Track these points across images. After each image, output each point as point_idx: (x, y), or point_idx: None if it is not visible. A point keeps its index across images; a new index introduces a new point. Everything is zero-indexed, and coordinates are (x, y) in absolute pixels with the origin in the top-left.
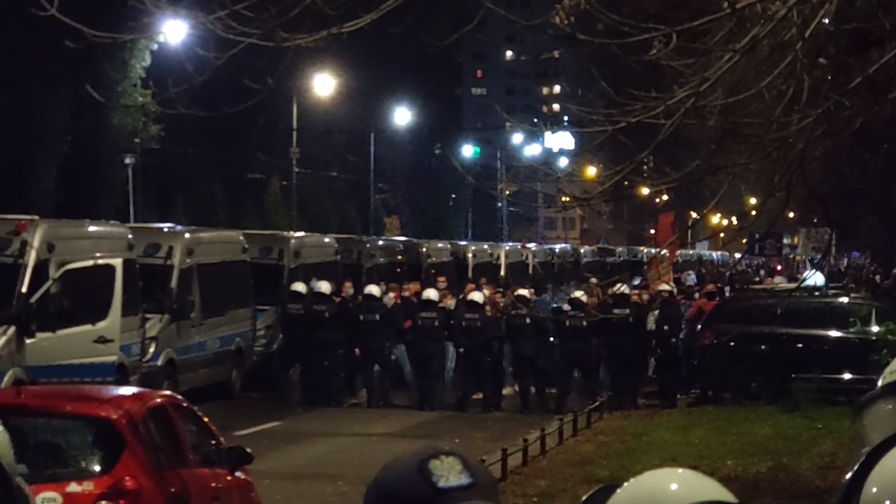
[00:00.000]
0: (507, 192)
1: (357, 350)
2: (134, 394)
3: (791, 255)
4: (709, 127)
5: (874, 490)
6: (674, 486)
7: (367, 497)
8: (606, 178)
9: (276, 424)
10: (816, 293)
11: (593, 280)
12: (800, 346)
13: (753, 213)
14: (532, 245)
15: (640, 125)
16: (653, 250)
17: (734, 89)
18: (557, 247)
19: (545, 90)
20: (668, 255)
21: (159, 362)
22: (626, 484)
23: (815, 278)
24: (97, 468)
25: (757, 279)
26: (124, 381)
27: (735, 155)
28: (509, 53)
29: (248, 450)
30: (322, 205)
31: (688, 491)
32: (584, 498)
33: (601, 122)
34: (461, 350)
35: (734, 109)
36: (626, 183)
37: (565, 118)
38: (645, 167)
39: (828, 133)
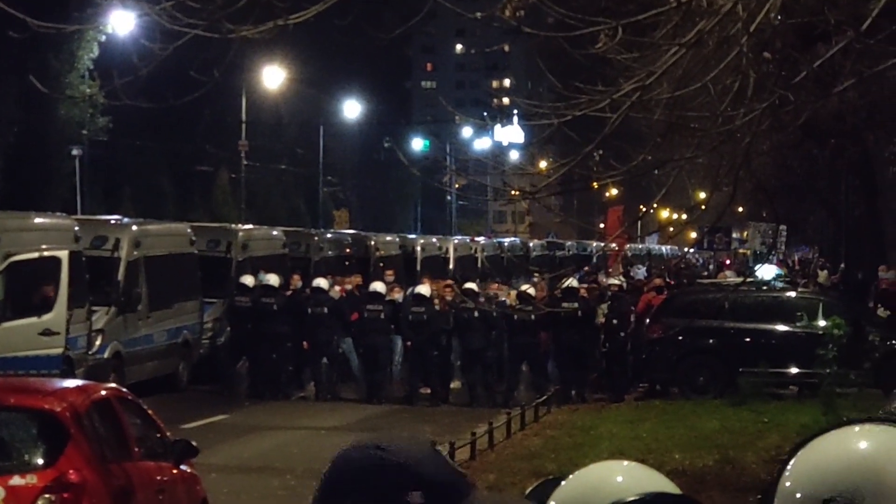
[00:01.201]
0: (457, 186)
1: (305, 343)
2: (78, 386)
3: (739, 249)
4: (655, 121)
5: (787, 485)
6: (619, 479)
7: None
8: (554, 171)
9: (224, 418)
10: (764, 287)
11: (535, 277)
12: (747, 340)
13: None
14: (481, 239)
15: (588, 118)
16: (601, 244)
17: (680, 83)
18: (506, 240)
19: (495, 83)
20: (616, 248)
21: (106, 355)
22: (570, 476)
23: (766, 271)
24: (40, 461)
25: (706, 273)
26: (70, 374)
27: (682, 149)
28: (459, 47)
29: (194, 443)
30: (271, 197)
31: (633, 483)
32: (528, 490)
33: (548, 115)
34: (408, 343)
35: (680, 103)
36: (574, 177)
37: (514, 112)
38: (593, 161)
39: (774, 127)
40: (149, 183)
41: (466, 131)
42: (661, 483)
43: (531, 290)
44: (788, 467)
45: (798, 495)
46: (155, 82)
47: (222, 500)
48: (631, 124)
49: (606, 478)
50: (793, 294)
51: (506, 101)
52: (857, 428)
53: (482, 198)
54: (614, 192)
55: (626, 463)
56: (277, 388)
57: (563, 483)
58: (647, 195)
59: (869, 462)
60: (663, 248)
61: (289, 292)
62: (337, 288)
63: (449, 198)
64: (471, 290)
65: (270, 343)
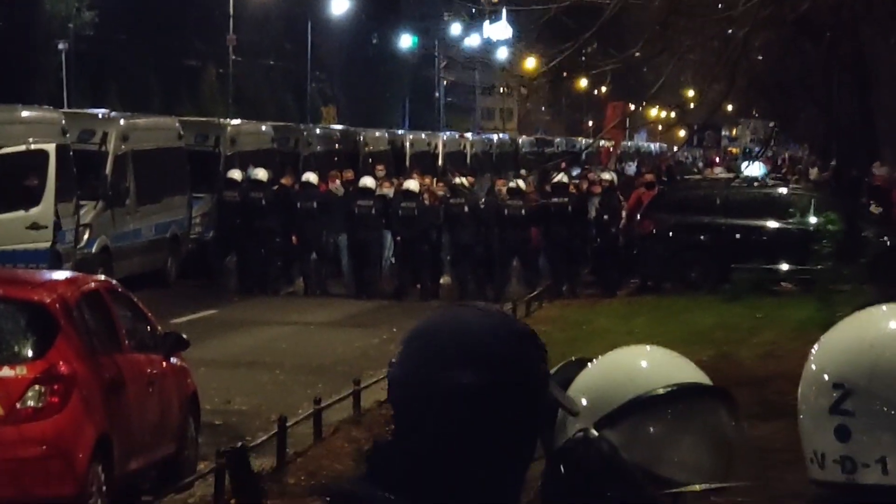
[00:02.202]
0: (445, 83)
1: (294, 238)
2: (68, 278)
3: (728, 147)
4: (655, 7)
5: (812, 368)
6: (648, 365)
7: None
8: (551, 58)
9: (213, 313)
10: (756, 184)
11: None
12: (739, 236)
13: (692, 105)
14: (470, 135)
15: (582, 9)
16: (590, 141)
17: None
18: (495, 136)
19: None
20: (613, 143)
21: (94, 249)
22: (596, 360)
23: (754, 168)
24: (30, 353)
25: (696, 170)
26: (58, 268)
27: (679, 41)
28: None
29: (184, 336)
30: (258, 93)
31: (661, 370)
32: (552, 371)
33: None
34: (398, 239)
35: None
36: (564, 74)
37: (504, 8)
38: (584, 54)
39: (772, 18)
40: (135, 78)
41: (455, 28)
42: (688, 370)
43: (522, 185)
44: (813, 351)
45: (816, 379)
46: None
47: (211, 394)
48: (624, 15)
49: (633, 364)
50: (784, 190)
51: None
52: (878, 310)
53: (472, 93)
54: (603, 88)
55: (650, 348)
56: (266, 283)
57: (588, 366)
58: (636, 93)
59: (877, 347)
60: (652, 145)
61: (276, 187)
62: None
63: (437, 94)
64: (461, 185)
65: (259, 238)
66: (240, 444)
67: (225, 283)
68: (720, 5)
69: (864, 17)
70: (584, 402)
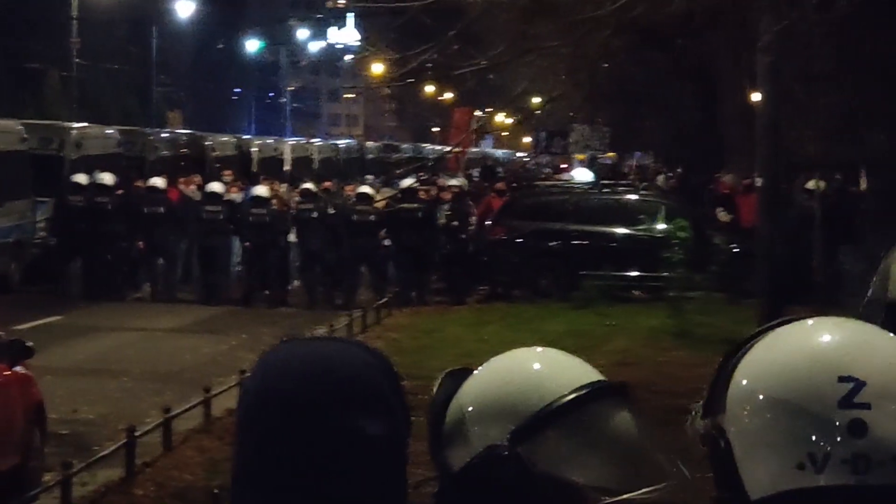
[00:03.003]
0: (291, 88)
1: (141, 243)
2: None
3: (574, 154)
4: (519, 8)
5: (744, 382)
6: (548, 369)
7: None
8: (398, 63)
9: (58, 319)
10: (606, 191)
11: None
12: (590, 242)
13: (537, 112)
14: (317, 140)
15: (432, 12)
16: (436, 147)
17: None
18: (342, 142)
19: None
20: (461, 150)
21: None
22: (481, 369)
23: (579, 175)
24: None
25: (543, 177)
26: None
27: (533, 43)
28: None
29: (29, 343)
30: (103, 97)
31: (566, 373)
32: (435, 388)
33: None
34: (247, 244)
35: None
36: (411, 80)
37: (350, 14)
38: (432, 60)
39: (620, 26)
40: None
41: (302, 33)
42: (586, 369)
43: (370, 191)
44: (742, 365)
45: (761, 397)
46: None
47: (57, 402)
48: (476, 22)
49: (531, 368)
50: (634, 197)
51: (341, 2)
52: (813, 321)
53: (321, 97)
54: (449, 95)
55: (540, 349)
56: (112, 288)
57: (475, 374)
58: (481, 100)
59: (845, 353)
60: (498, 151)
61: (120, 191)
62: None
63: (283, 100)
64: (309, 190)
65: (105, 243)
66: None
67: (70, 289)
68: (588, 5)
69: (709, 28)
70: (479, 414)
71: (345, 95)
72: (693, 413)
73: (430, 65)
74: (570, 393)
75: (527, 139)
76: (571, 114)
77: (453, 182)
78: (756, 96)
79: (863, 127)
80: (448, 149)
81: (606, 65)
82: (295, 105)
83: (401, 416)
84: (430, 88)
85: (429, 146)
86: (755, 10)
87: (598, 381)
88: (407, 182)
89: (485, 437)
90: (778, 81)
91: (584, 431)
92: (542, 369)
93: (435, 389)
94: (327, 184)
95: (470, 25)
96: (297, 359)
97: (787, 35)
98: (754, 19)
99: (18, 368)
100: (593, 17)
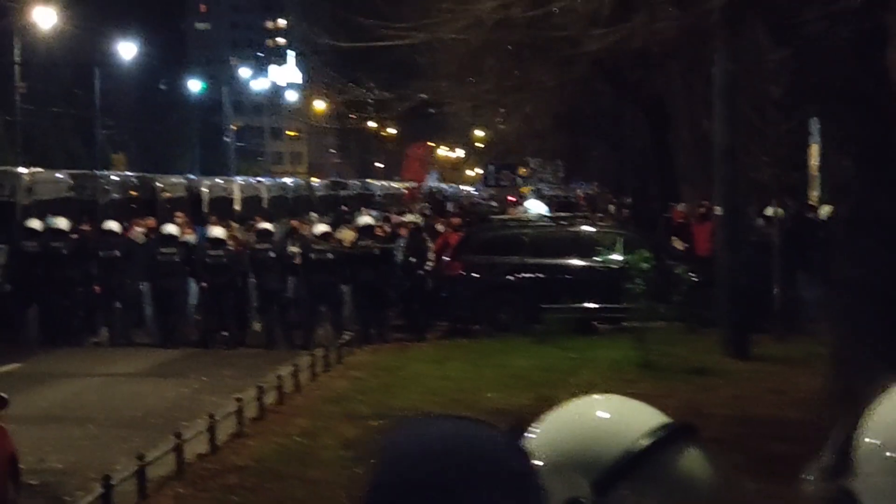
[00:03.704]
0: (234, 127)
1: (97, 287)
2: None
3: (521, 187)
4: (510, 49)
5: (878, 443)
6: (616, 415)
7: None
8: (339, 101)
9: (16, 366)
10: (563, 223)
11: (313, 217)
12: (548, 275)
13: (481, 145)
14: (265, 179)
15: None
16: (383, 183)
17: (537, 2)
18: (290, 181)
19: (270, 24)
20: (416, 185)
21: None
22: (548, 420)
23: (534, 207)
24: None
25: (493, 210)
26: None
27: (537, 73)
28: None
29: (3, 394)
30: (48, 141)
31: (635, 417)
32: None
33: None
34: (204, 286)
35: (538, 24)
36: (352, 116)
37: (291, 52)
38: (371, 97)
39: (571, 59)
40: None
41: (244, 72)
42: (651, 411)
43: (326, 229)
44: (871, 426)
45: (888, 454)
46: None
47: (24, 452)
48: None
49: (599, 416)
50: (592, 228)
51: (281, 41)
52: None
53: (263, 136)
54: (391, 131)
55: (599, 396)
56: (70, 334)
57: (538, 431)
58: (423, 135)
59: None
60: (444, 185)
61: (75, 236)
62: (139, 229)
63: (227, 139)
64: (266, 230)
65: (61, 288)
66: None
67: (27, 336)
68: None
69: (664, 60)
70: (554, 469)
71: (287, 133)
72: (808, 475)
73: (370, 100)
74: (645, 438)
75: (470, 172)
76: (515, 146)
77: (409, 218)
78: (710, 124)
79: (831, 152)
80: (406, 185)
81: (550, 97)
82: (238, 144)
83: (536, 493)
84: (371, 124)
85: (377, 182)
86: (710, 40)
87: (667, 423)
88: (364, 220)
89: (563, 492)
90: (734, 108)
91: (664, 475)
92: (610, 417)
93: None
94: (295, 223)
95: (412, 60)
96: (425, 443)
97: (741, 62)
98: (708, 48)
99: None
100: (582, 53)
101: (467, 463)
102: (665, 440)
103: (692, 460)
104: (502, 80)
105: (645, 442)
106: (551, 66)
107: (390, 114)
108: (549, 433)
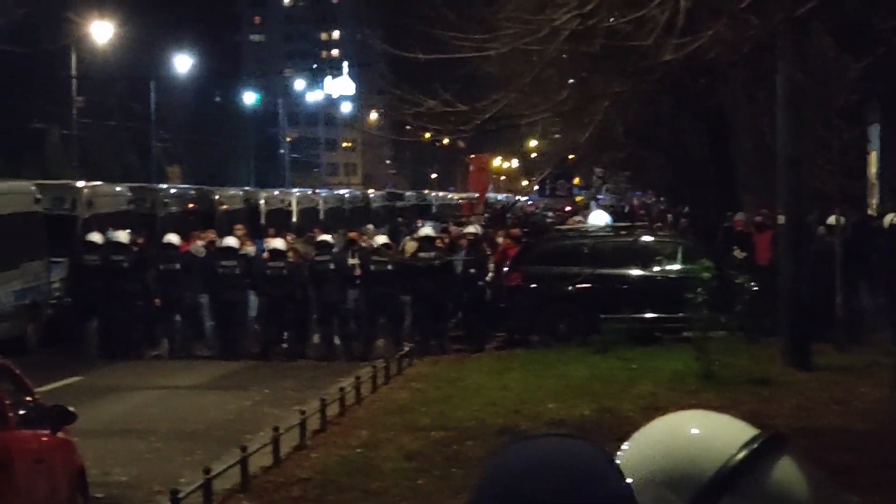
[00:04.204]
0: (288, 139)
1: (157, 300)
2: None
3: (577, 196)
4: (585, 53)
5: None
6: (707, 430)
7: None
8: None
9: (78, 379)
10: (623, 233)
11: (369, 229)
12: (607, 286)
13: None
14: (322, 191)
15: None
16: (438, 193)
17: (619, 12)
18: (346, 192)
19: (324, 36)
20: (478, 196)
21: None
22: (636, 442)
23: (597, 217)
24: None
25: (550, 220)
26: None
27: (612, 83)
28: None
29: (71, 408)
30: (104, 154)
31: (725, 430)
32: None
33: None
34: (264, 298)
35: (614, 34)
36: (407, 128)
37: (345, 63)
38: (425, 110)
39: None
40: None
41: (298, 84)
42: (741, 424)
43: (386, 240)
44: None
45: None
46: None
47: (89, 465)
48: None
49: (685, 434)
50: (652, 238)
51: (335, 52)
52: None
53: (319, 147)
54: (446, 141)
55: (688, 413)
56: (130, 347)
57: (628, 451)
58: (478, 145)
59: None
60: (499, 195)
61: (135, 248)
62: (199, 242)
63: (282, 151)
64: (325, 242)
65: (121, 301)
66: None
67: (87, 349)
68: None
69: (726, 73)
70: (649, 488)
71: (343, 144)
72: None
73: (421, 110)
74: (740, 451)
75: (524, 182)
76: (571, 156)
77: (469, 229)
78: (773, 133)
79: (894, 159)
80: (464, 195)
81: (607, 104)
82: (293, 156)
83: None
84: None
85: (430, 192)
86: (775, 48)
87: (759, 434)
88: (425, 231)
89: None
90: (797, 117)
91: (762, 488)
92: (702, 432)
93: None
94: (353, 234)
95: (474, 72)
96: (536, 464)
97: (806, 70)
98: (772, 57)
99: (60, 434)
100: (658, 63)
101: (567, 482)
102: (760, 451)
103: (789, 471)
104: (577, 92)
105: (741, 455)
106: (625, 77)
107: (454, 126)
108: (640, 454)
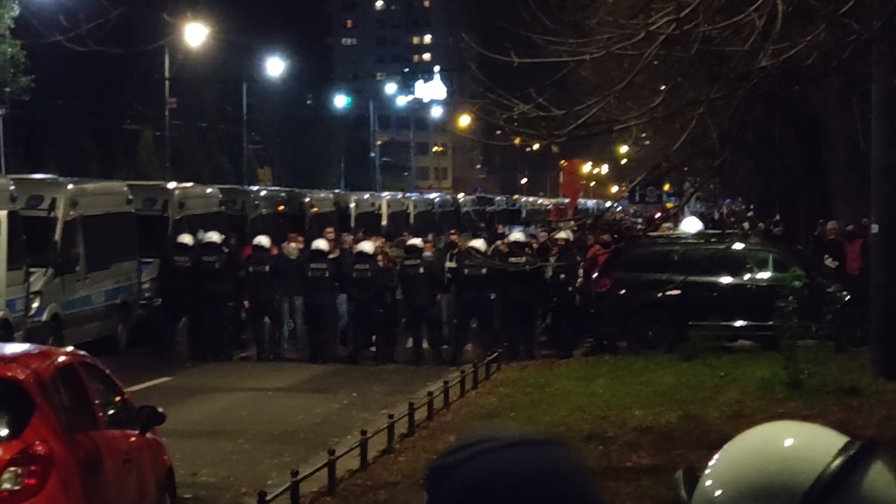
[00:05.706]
0: (379, 143)
1: (246, 302)
2: (40, 352)
3: (667, 203)
4: (679, 59)
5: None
6: (800, 440)
7: None
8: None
9: (167, 380)
10: (713, 240)
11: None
12: (696, 293)
13: (623, 161)
14: (412, 195)
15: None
16: (529, 199)
17: (714, 17)
18: (436, 196)
19: (416, 39)
20: (569, 201)
21: (44, 318)
22: (726, 457)
23: (689, 225)
24: (5, 432)
25: (639, 226)
26: (8, 338)
27: (706, 88)
28: (380, 3)
29: (160, 409)
30: (195, 156)
31: (818, 441)
32: (678, 488)
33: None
34: (353, 301)
35: (709, 40)
36: (498, 132)
37: (436, 67)
38: (517, 114)
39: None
40: (71, 142)
41: (389, 88)
42: (831, 434)
43: (480, 245)
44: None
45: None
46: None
47: (177, 465)
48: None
49: (779, 446)
50: (741, 246)
51: (426, 56)
52: None
53: (409, 151)
54: (535, 147)
55: (778, 424)
56: (219, 348)
57: (718, 466)
58: (568, 150)
59: None
60: (588, 202)
61: (226, 250)
62: (293, 245)
63: (372, 154)
64: (415, 246)
65: (211, 303)
66: None
67: (176, 350)
68: (760, 55)
69: (818, 84)
70: (738, 500)
71: (433, 149)
72: None
73: (512, 114)
74: (836, 458)
75: (614, 188)
76: (665, 163)
77: (560, 235)
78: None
79: None
80: (552, 201)
81: (701, 110)
82: (384, 159)
83: None
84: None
85: (520, 197)
86: (871, 55)
87: (852, 441)
88: (516, 236)
89: None
90: (894, 124)
91: (859, 494)
92: (796, 442)
93: (680, 489)
94: (454, 237)
95: (566, 77)
96: (505, 474)
97: None
98: (868, 63)
99: (149, 435)
100: (757, 69)
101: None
102: (856, 458)
103: (886, 477)
104: (671, 98)
105: (837, 462)
106: (719, 83)
107: (546, 131)
108: (732, 469)
